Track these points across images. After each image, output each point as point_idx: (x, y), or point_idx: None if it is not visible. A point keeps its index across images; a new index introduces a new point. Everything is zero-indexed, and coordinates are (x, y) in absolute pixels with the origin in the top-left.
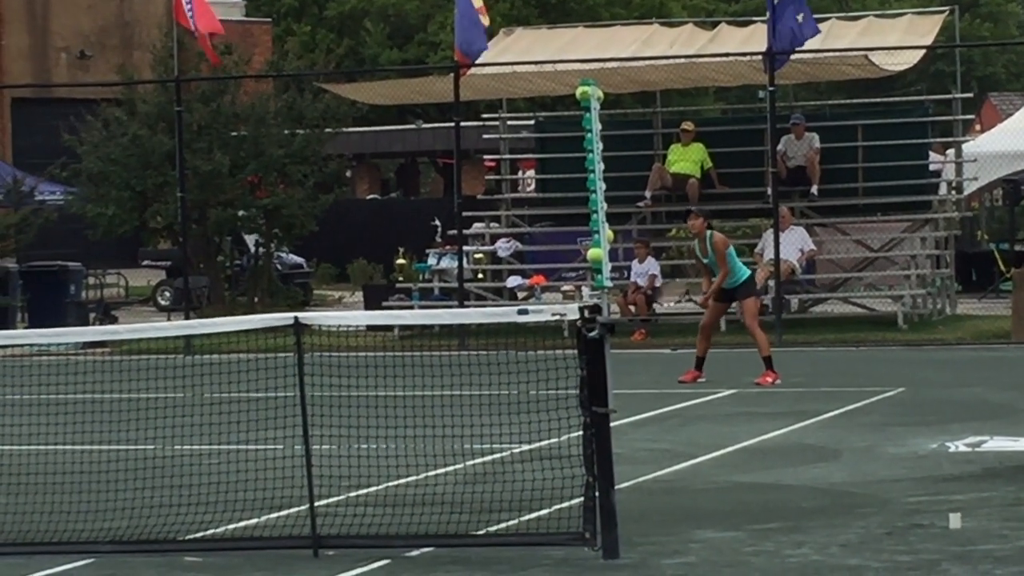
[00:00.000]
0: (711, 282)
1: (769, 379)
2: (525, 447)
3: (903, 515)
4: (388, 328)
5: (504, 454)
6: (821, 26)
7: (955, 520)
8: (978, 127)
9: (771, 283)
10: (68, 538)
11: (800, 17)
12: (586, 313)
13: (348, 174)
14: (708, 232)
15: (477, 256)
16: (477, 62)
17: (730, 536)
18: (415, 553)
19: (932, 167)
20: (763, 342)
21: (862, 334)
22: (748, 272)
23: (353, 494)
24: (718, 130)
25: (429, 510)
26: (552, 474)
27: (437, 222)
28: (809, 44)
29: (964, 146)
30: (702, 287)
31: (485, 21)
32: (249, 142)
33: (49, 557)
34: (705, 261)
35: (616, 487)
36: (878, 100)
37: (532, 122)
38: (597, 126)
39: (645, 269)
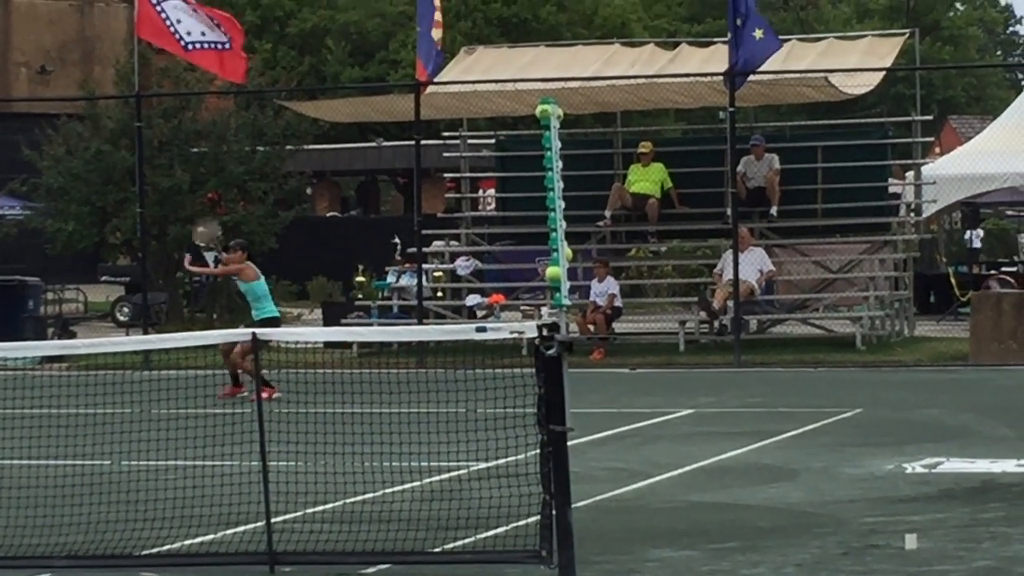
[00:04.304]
0: None
1: (232, 392)
2: (482, 465)
3: (859, 535)
4: (347, 345)
5: (461, 472)
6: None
7: (911, 541)
8: (938, 150)
9: (730, 304)
10: (24, 552)
11: (758, 33)
12: (544, 331)
13: (308, 191)
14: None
15: (436, 274)
16: (437, 80)
17: (686, 555)
18: (372, 570)
19: (891, 189)
20: (246, 367)
21: (820, 355)
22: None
23: (310, 510)
24: (678, 150)
25: (386, 527)
26: (509, 492)
27: (397, 240)
28: (770, 65)
29: (923, 169)
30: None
31: (436, 35)
32: (210, 158)
33: (4, 572)
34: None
35: (573, 505)
36: (838, 122)
37: (492, 141)
38: (557, 144)
39: (604, 288)
